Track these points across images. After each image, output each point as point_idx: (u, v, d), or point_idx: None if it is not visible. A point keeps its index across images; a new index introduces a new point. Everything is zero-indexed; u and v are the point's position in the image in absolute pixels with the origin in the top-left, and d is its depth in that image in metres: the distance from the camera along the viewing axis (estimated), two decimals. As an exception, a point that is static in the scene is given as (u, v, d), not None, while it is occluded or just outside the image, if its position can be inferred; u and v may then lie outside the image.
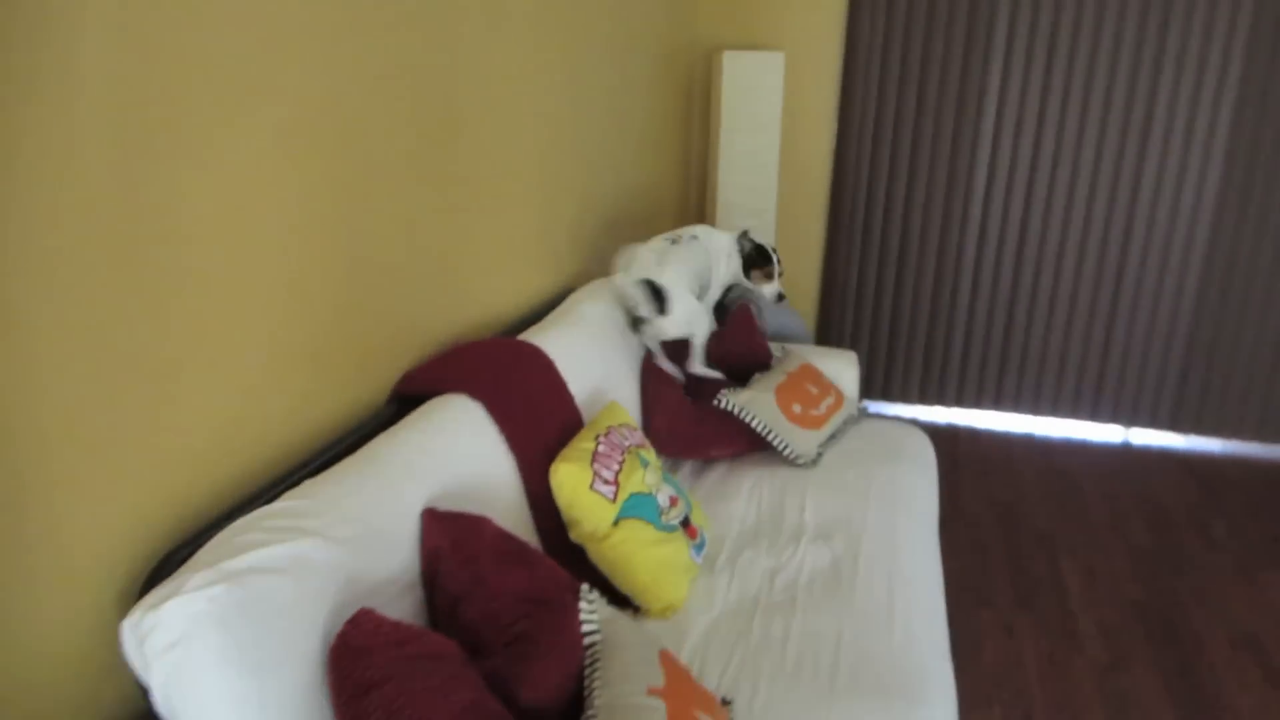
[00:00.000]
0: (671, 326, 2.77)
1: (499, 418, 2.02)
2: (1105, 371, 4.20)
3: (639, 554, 2.00)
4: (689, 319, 2.81)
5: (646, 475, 2.10)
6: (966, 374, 4.37)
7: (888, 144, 4.16)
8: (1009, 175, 4.06)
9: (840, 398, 2.94)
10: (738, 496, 2.50)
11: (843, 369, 3.12)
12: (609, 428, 2.16)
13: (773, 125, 4.10)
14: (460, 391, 2.01)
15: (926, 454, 2.86)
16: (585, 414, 2.36)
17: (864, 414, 3.01)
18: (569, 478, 1.99)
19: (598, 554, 2.01)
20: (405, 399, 2.03)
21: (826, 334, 4.55)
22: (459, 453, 1.88)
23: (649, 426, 2.66)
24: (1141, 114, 3.86)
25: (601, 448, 2.08)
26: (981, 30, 3.88)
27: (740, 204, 4.23)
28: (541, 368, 2.28)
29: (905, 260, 4.31)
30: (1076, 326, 4.18)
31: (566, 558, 2.01)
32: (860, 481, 2.56)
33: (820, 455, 2.73)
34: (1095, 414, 4.27)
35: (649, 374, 2.78)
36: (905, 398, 4.50)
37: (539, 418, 2.15)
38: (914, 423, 3.61)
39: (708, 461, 2.74)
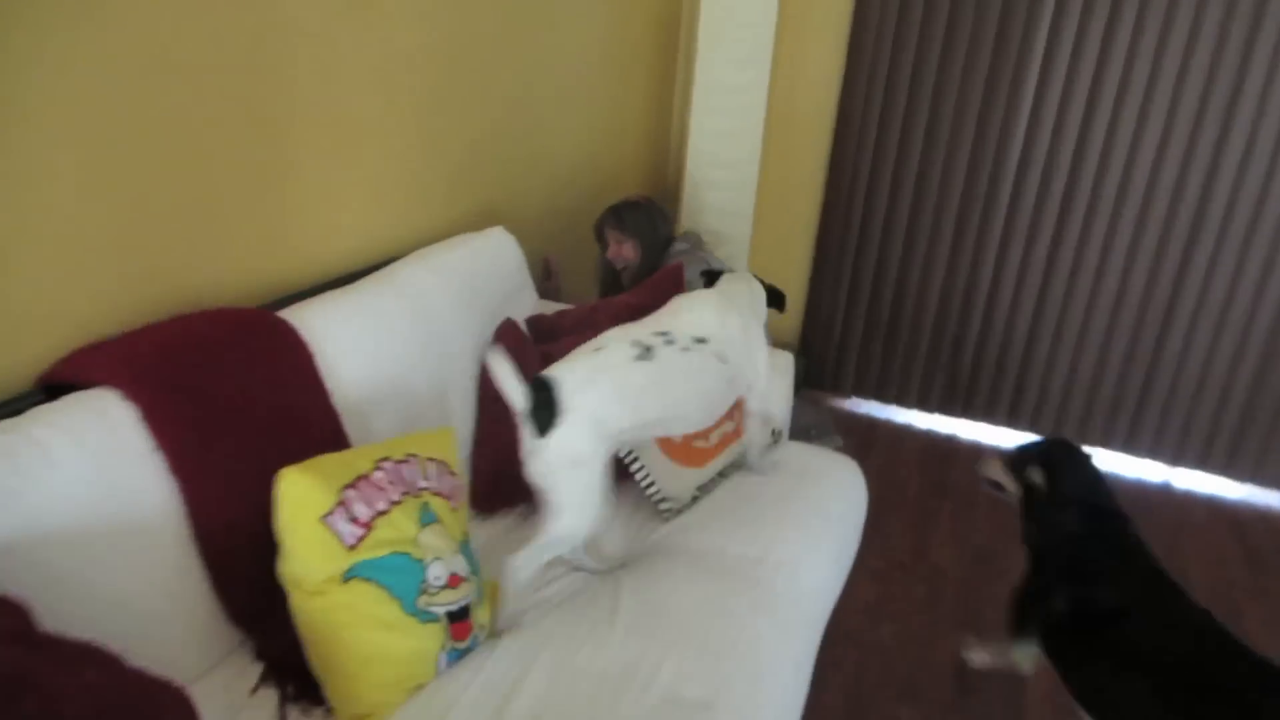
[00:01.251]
0: (544, 459, 1.63)
1: (159, 426, 1.44)
2: (1147, 399, 3.38)
3: (356, 634, 1.42)
4: (573, 466, 1.63)
5: (423, 534, 1.49)
6: (977, 384, 3.61)
7: (900, 107, 3.36)
8: (1045, 167, 3.26)
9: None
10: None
11: (774, 378, 2.42)
12: (409, 456, 1.56)
13: (761, 58, 3.35)
14: (113, 386, 1.44)
15: (848, 501, 2.18)
16: (359, 428, 1.77)
17: (778, 438, 2.33)
18: (295, 493, 1.41)
19: (303, 610, 1.44)
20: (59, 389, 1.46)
21: (813, 327, 3.83)
22: (68, 476, 1.31)
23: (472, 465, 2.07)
24: (1220, 110, 3.00)
25: (377, 475, 1.48)
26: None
27: (714, 153, 3.51)
28: (284, 357, 1.69)
29: (912, 248, 3.54)
30: (1115, 347, 3.37)
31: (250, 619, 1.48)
32: (730, 549, 1.90)
33: (695, 500, 2.09)
34: (1131, 446, 3.47)
35: (489, 396, 2.09)
36: (902, 400, 3.77)
37: (249, 428, 1.56)
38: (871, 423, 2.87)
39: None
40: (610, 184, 3.41)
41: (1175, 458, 3.42)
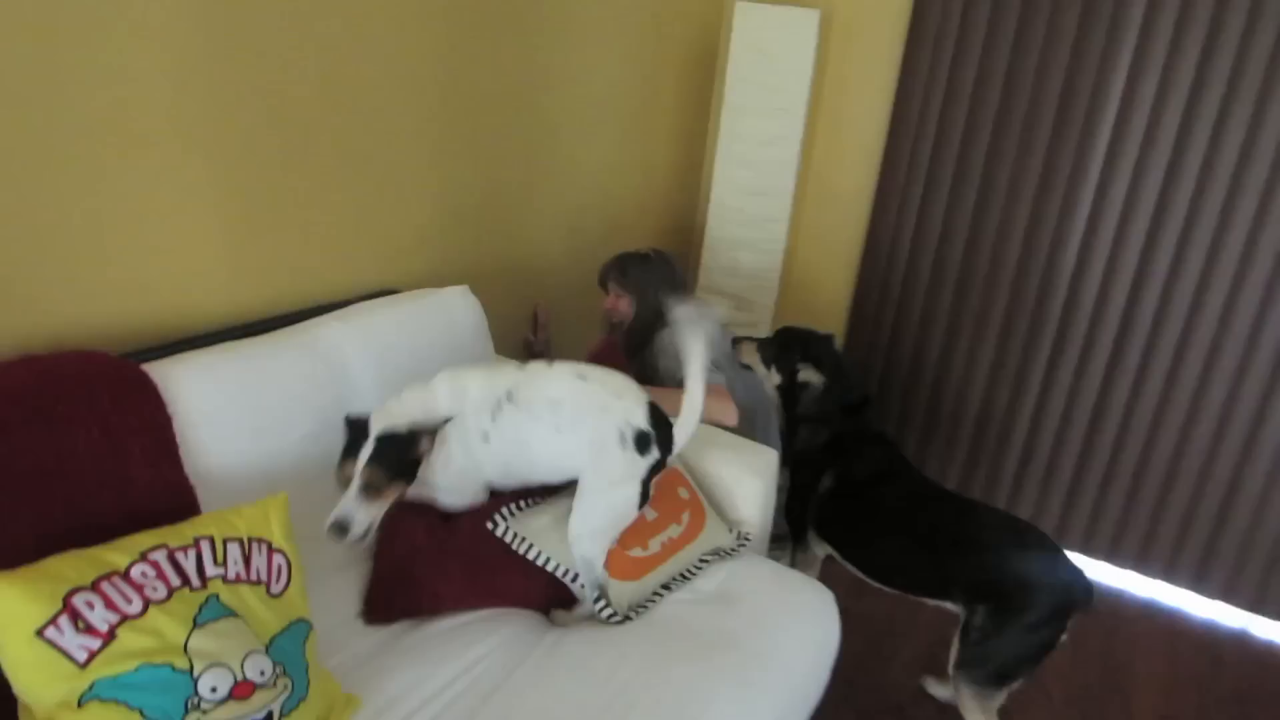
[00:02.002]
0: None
1: None
2: (1226, 527, 2.88)
3: None
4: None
5: (196, 637, 1.22)
6: (1022, 490, 3.16)
7: (945, 181, 2.99)
8: (1120, 223, 2.80)
9: (700, 524, 1.93)
10: (441, 664, 1.58)
11: (746, 478, 2.09)
12: (198, 539, 1.31)
13: (796, 109, 3.04)
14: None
15: (813, 646, 1.81)
16: (218, 499, 1.52)
17: (743, 543, 1.99)
18: (2, 611, 1.14)
19: None
20: None
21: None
22: None
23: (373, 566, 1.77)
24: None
25: (137, 570, 1.23)
26: (1107, 5, 2.65)
27: (740, 210, 3.20)
28: (131, 416, 1.46)
29: (954, 343, 3.14)
30: (1188, 462, 2.88)
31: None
32: (643, 699, 1.56)
33: (640, 611, 1.76)
34: (1200, 584, 2.97)
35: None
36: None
37: (58, 501, 1.33)
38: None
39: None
40: (625, 233, 3.14)
41: (1258, 603, 2.89)
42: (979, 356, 3.10)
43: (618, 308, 2.59)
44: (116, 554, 1.25)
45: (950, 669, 1.98)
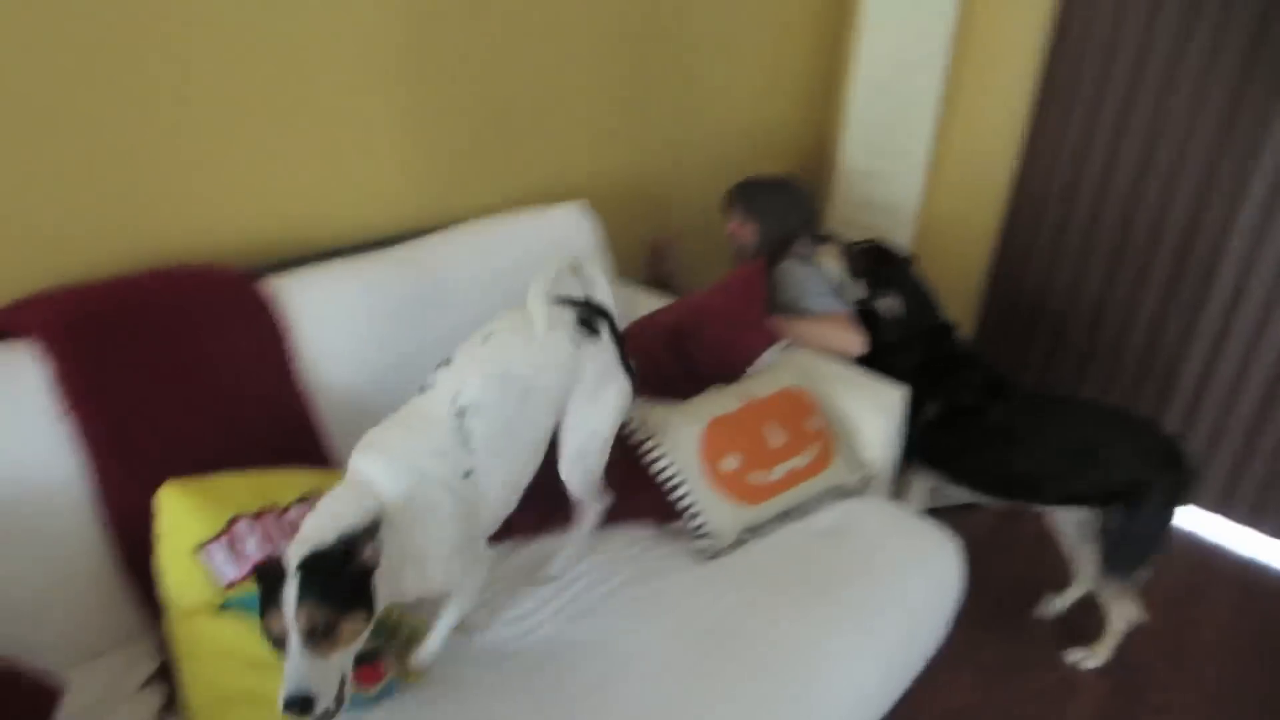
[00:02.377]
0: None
1: (72, 390, 1.27)
2: None
3: (222, 668, 1.20)
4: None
5: None
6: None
7: (1120, 88, 2.70)
8: None
9: (828, 456, 1.83)
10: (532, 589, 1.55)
11: (871, 416, 1.97)
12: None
13: (941, 30, 2.82)
14: (35, 340, 1.27)
15: (933, 591, 1.70)
16: (343, 422, 1.54)
17: (866, 484, 1.88)
18: (170, 516, 1.22)
19: (171, 632, 1.26)
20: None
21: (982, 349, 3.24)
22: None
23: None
24: None
25: (294, 512, 1.28)
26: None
27: (876, 140, 3.02)
28: (251, 329, 1.48)
29: (1114, 282, 2.87)
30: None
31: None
32: (750, 622, 1.49)
33: (740, 543, 1.69)
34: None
35: None
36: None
37: (187, 406, 1.36)
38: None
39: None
40: (756, 159, 2.99)
41: None
42: (1143, 297, 2.83)
43: (739, 234, 2.48)
44: (281, 488, 1.30)
45: (1099, 573, 2.07)
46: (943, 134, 3.07)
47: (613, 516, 1.70)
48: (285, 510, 1.27)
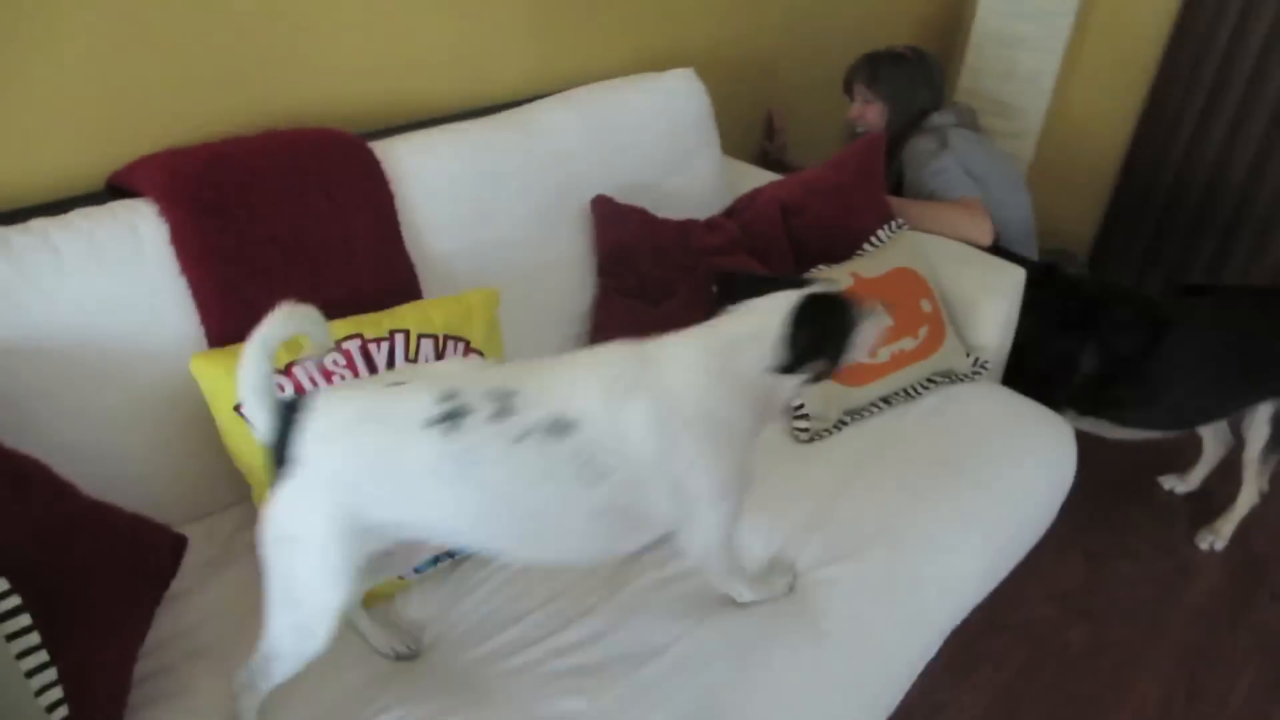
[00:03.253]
0: (265, 517, 1.04)
1: (188, 249, 1.33)
2: None
3: None
4: None
5: None
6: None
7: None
8: None
9: (938, 339, 1.79)
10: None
11: (986, 298, 1.89)
12: (393, 333, 1.36)
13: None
14: (153, 200, 1.34)
15: (1044, 475, 1.67)
16: (443, 286, 1.58)
17: (979, 369, 1.83)
18: (204, 383, 1.26)
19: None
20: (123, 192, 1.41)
21: (1108, 241, 3.05)
22: (77, 286, 1.25)
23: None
24: None
25: (329, 359, 1.31)
26: None
27: (1012, 6, 2.78)
28: (357, 191, 1.51)
29: (1264, 169, 2.62)
30: None
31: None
32: (843, 508, 1.51)
33: (840, 426, 1.69)
34: None
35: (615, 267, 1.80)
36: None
37: (297, 266, 1.42)
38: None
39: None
40: (876, 26, 2.83)
41: None
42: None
43: (864, 116, 2.34)
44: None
45: (1262, 450, 2.00)
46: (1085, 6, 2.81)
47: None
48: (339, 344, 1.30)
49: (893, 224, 1.91)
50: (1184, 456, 2.33)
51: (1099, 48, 2.89)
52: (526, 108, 1.81)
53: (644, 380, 1.04)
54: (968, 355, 1.84)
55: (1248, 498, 2.09)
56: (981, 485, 1.56)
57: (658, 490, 1.05)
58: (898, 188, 2.28)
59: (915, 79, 2.29)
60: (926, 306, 1.78)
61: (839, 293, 1.12)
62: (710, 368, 1.07)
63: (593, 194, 1.81)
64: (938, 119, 2.25)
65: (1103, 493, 2.29)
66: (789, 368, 1.07)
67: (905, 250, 1.86)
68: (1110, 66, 2.88)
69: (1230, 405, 1.98)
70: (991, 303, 1.87)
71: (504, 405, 1.00)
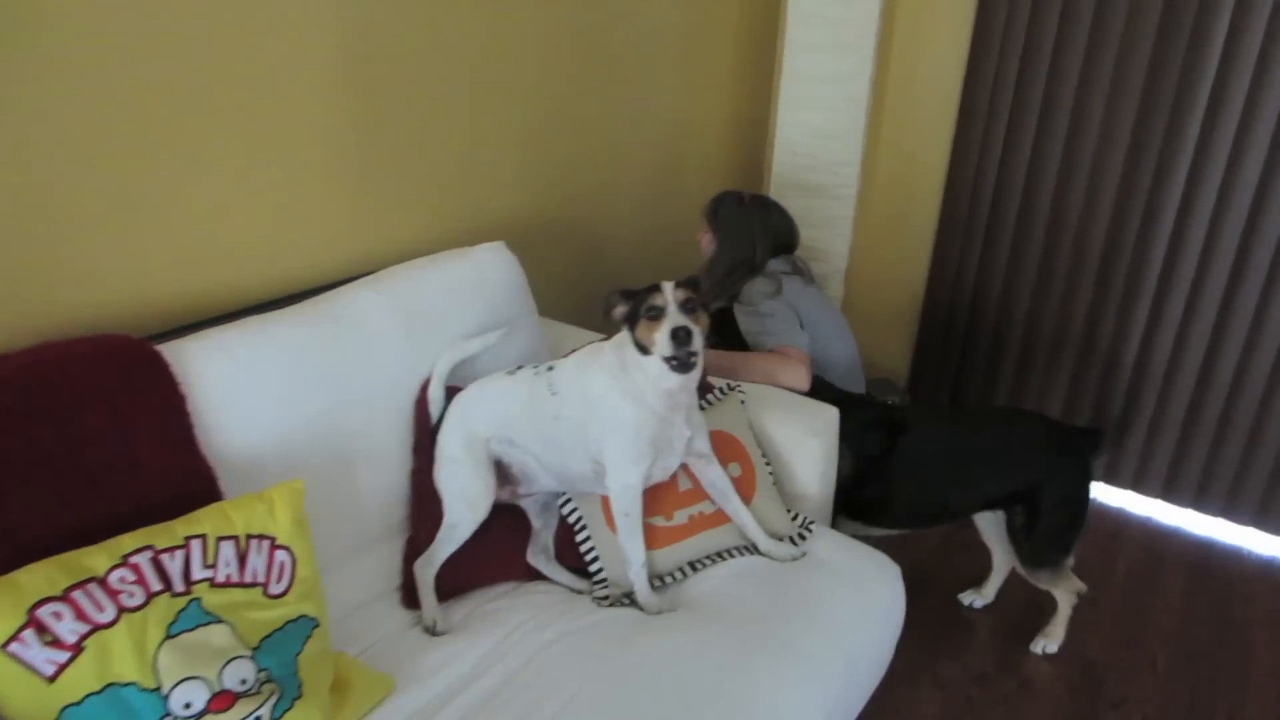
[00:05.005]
0: (434, 455, 1.79)
1: None
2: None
3: None
4: None
5: (166, 650, 1.17)
6: (1124, 447, 2.92)
7: (1038, 92, 2.73)
8: (1217, 205, 2.58)
9: (748, 497, 1.80)
10: (476, 639, 1.53)
11: (806, 440, 1.94)
12: (190, 539, 1.26)
13: (865, 43, 2.83)
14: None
15: (872, 620, 1.68)
16: (249, 489, 1.48)
17: (804, 535, 1.84)
18: None
19: None
20: None
21: (924, 358, 3.25)
22: None
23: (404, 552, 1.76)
24: None
25: (116, 575, 1.18)
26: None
27: (808, 155, 3.01)
28: (146, 399, 1.42)
29: (1049, 279, 2.90)
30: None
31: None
32: (672, 672, 1.46)
33: (660, 585, 1.66)
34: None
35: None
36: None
37: (64, 485, 1.30)
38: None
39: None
40: (681, 186, 2.99)
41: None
42: (1077, 294, 2.86)
43: (702, 243, 2.51)
44: (98, 557, 1.19)
45: (1022, 568, 2.12)
46: (871, 146, 3.08)
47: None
48: (105, 577, 1.17)
49: (722, 386, 1.95)
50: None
51: (887, 194, 3.16)
52: (332, 294, 1.78)
53: (597, 358, 1.68)
54: (790, 513, 1.84)
55: (1064, 602, 2.20)
56: (813, 630, 1.55)
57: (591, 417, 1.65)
58: (721, 321, 2.36)
59: (751, 224, 2.41)
60: (735, 470, 1.80)
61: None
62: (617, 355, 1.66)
63: (405, 374, 1.78)
64: (774, 265, 2.38)
65: (943, 615, 2.34)
66: (635, 342, 1.60)
67: (728, 412, 1.89)
68: (897, 213, 3.15)
69: (960, 507, 2.15)
70: (810, 445, 1.92)
71: (537, 366, 1.77)
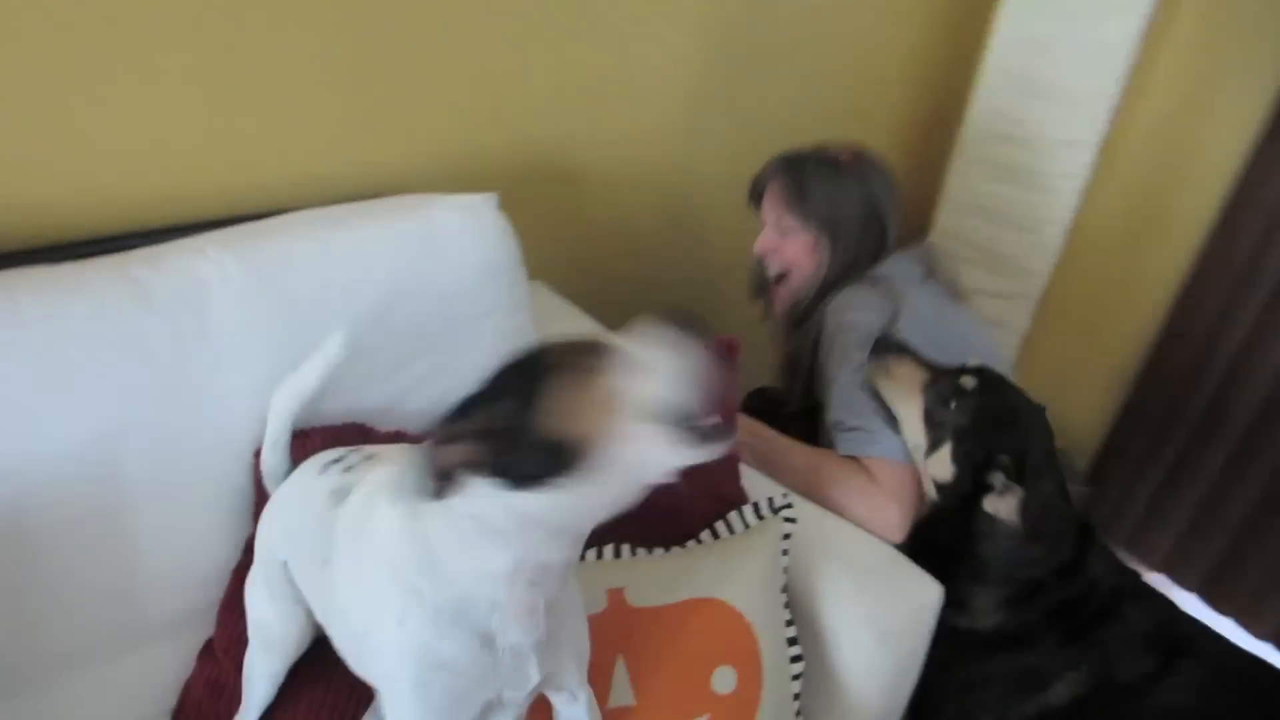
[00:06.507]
0: None
1: None
2: None
3: None
4: None
5: None
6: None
7: None
8: None
9: (755, 687, 1.04)
10: None
11: (864, 637, 1.15)
12: None
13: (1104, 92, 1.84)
14: None
15: None
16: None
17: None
18: None
19: None
20: None
21: (1115, 456, 2.28)
22: None
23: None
24: None
25: None
26: None
27: (1010, 128, 2.07)
28: None
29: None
30: None
31: None
32: None
33: None
34: None
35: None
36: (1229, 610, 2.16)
37: None
38: None
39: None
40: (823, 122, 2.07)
41: None
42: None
43: (780, 251, 1.53)
44: None
45: None
46: (1125, 121, 2.06)
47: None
48: None
49: (764, 502, 1.17)
50: None
51: (1130, 198, 2.14)
52: (156, 252, 1.12)
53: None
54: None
55: None
56: None
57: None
58: (797, 360, 1.55)
59: (854, 194, 1.46)
60: (723, 685, 1.02)
61: None
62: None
63: (257, 402, 1.10)
64: (890, 267, 1.48)
65: None
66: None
67: (748, 559, 1.11)
68: (1138, 227, 2.14)
69: None
70: (876, 652, 1.13)
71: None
